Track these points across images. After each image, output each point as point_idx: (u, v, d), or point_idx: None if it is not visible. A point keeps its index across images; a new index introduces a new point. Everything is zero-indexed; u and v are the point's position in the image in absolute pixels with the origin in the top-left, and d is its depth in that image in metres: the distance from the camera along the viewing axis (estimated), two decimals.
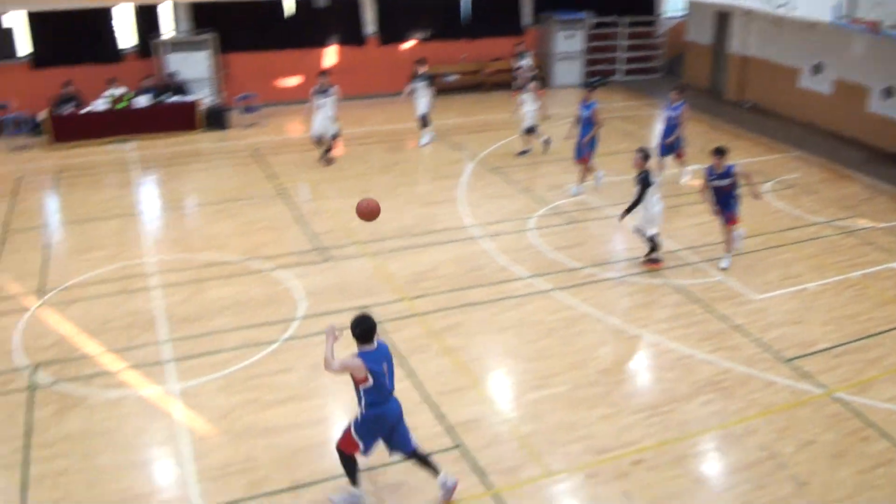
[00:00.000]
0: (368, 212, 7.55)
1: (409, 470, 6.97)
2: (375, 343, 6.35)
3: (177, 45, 19.12)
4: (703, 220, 12.37)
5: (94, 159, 16.64)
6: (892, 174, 15.02)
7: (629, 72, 24.35)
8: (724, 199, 10.84)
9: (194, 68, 19.16)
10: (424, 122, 17.21)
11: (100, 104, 17.68)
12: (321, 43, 21.07)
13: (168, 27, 19.76)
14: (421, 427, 7.63)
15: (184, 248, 12.06)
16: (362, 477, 6.79)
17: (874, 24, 14.03)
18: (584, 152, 14.03)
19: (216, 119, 18.63)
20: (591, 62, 23.69)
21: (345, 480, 6.72)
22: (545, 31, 23.11)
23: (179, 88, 18.59)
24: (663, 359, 9.12)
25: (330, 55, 21.19)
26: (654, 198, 10.78)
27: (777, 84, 19.49)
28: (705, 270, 11.23)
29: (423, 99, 16.91)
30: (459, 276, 11.05)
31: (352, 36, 21.35)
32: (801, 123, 18.57)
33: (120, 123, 17.68)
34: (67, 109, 17.38)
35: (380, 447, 6.67)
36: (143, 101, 17.89)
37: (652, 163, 11.24)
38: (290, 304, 10.22)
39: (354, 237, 12.26)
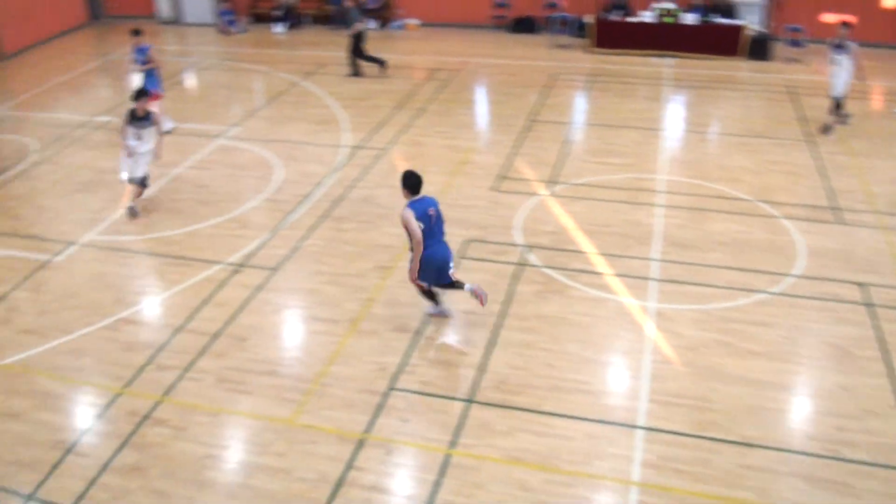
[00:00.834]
0: None
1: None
2: (421, 195, 7.78)
3: None
4: None
5: (630, 69, 17.27)
6: None
7: None
8: None
9: None
10: None
11: (648, 15, 18.07)
12: None
13: None
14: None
15: (696, 174, 12.00)
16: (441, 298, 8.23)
17: None
18: None
19: (759, 48, 17.76)
20: None
21: None
22: None
23: (728, 10, 18.06)
24: None
25: None
26: None
27: None
28: None
29: None
30: None
31: None
32: None
33: (663, 37, 17.96)
34: (615, 16, 18.12)
35: None
36: (690, 18, 17.81)
37: None
38: (789, 259, 9.58)
39: (875, 204, 10.86)
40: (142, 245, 10.29)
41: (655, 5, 18.05)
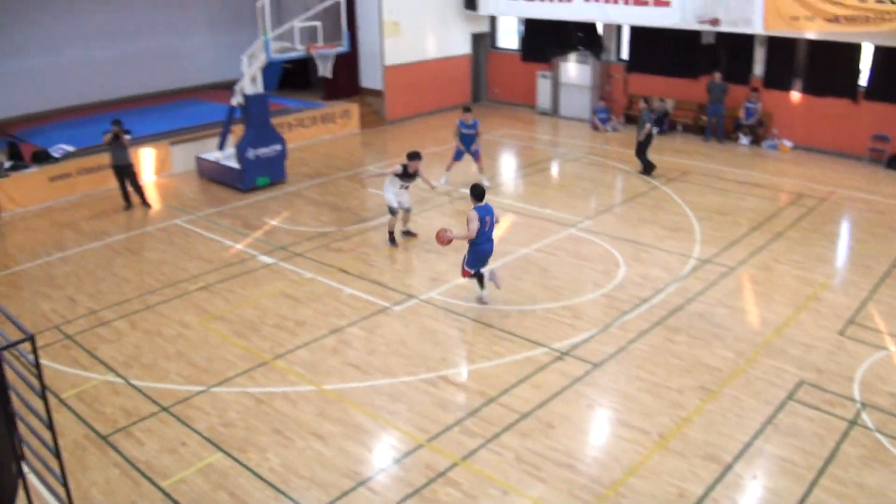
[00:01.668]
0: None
1: None
2: (484, 202, 10.66)
3: None
4: None
5: None
6: None
7: None
8: None
9: None
10: None
11: None
12: None
13: None
14: None
15: None
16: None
17: None
18: None
19: None
20: None
21: None
22: None
23: None
24: None
25: None
26: None
27: None
28: None
29: None
30: None
31: None
32: None
33: None
34: None
35: None
36: None
37: None
38: None
39: None
40: (476, 313, 10.74)
41: None
